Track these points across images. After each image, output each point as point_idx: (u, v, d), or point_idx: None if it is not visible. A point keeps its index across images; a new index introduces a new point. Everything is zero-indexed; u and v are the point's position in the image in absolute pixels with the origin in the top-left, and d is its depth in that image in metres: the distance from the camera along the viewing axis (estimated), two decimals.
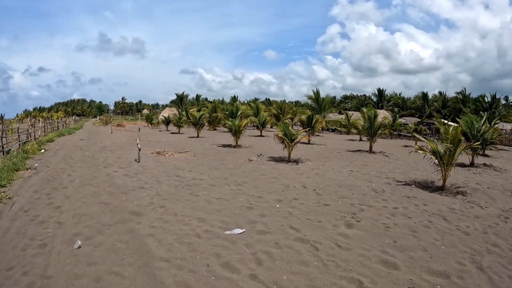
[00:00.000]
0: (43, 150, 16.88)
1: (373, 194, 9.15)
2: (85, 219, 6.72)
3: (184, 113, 39.12)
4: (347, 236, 5.94)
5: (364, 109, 21.64)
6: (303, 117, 24.88)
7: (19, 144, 17.11)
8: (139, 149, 14.08)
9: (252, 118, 34.74)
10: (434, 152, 9.54)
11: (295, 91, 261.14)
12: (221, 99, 79.88)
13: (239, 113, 31.18)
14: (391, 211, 7.58)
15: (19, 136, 17.51)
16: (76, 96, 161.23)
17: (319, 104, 45.67)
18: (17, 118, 57.90)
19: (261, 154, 15.67)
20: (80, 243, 5.38)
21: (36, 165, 12.90)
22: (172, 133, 32.81)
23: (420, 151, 10.03)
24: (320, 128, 31.16)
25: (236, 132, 18.59)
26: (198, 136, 27.22)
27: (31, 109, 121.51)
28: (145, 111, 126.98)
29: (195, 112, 30.05)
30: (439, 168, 9.73)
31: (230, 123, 19.65)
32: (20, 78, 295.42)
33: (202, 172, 11.51)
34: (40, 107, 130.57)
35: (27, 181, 10.22)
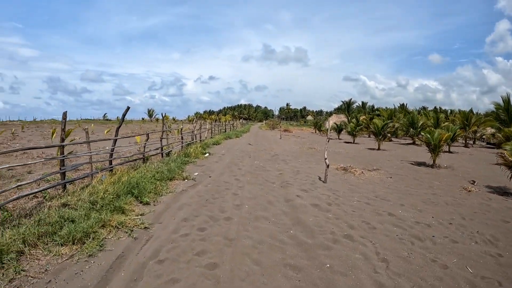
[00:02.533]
0: (207, 154, 15.35)
1: None
2: None
3: (354, 120, 35.16)
4: None
5: None
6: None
7: (182, 146, 16.14)
8: (327, 166, 10.25)
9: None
10: None
11: (463, 98, 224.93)
12: (387, 106, 71.62)
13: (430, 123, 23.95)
14: None
15: (182, 137, 16.68)
16: (242, 102, 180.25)
17: (510, 114, 32.73)
18: (187, 120, 66.25)
19: (474, 181, 11.55)
20: None
21: (196, 174, 10.75)
22: (346, 142, 28.41)
23: None
24: None
25: (435, 148, 14.74)
26: (379, 148, 22.05)
27: (201, 112, 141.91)
28: (309, 117, 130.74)
29: (378, 120, 24.79)
30: None
31: (428, 135, 14.62)
32: (192, 85, 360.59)
33: (420, 208, 7.85)
34: (209, 110, 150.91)
35: (179, 199, 7.79)
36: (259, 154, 16.80)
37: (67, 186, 7.48)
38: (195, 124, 20.12)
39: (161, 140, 13.57)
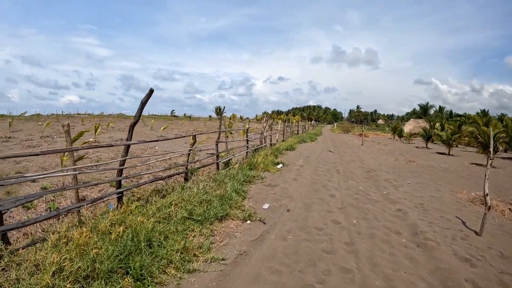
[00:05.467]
0: (280, 165, 11.17)
1: None
2: None
3: (451, 127, 28.64)
4: None
5: None
6: None
7: (247, 152, 12.13)
8: (488, 207, 5.56)
9: None
10: None
11: None
12: (466, 112, 61.71)
13: None
14: None
15: (247, 140, 12.54)
16: (311, 103, 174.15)
17: None
18: (255, 119, 62.66)
19: None
20: None
21: (266, 206, 6.54)
22: (439, 153, 22.10)
23: None
24: None
25: None
26: (490, 164, 16.05)
27: (269, 112, 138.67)
28: (380, 121, 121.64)
29: (486, 129, 18.57)
30: None
31: None
32: (261, 86, 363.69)
33: None
34: (278, 110, 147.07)
35: (235, 270, 3.47)
36: (348, 168, 12.11)
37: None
38: (264, 124, 15.94)
39: (216, 145, 9.61)
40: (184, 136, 8.78)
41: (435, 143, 32.02)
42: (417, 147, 27.42)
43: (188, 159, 8.34)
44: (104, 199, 5.46)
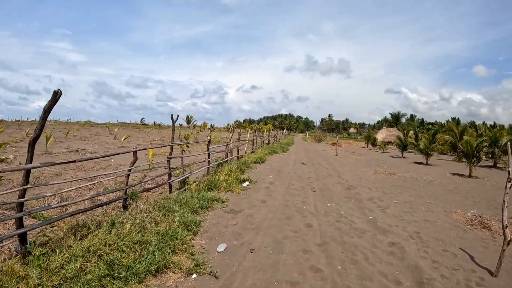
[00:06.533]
0: (246, 183, 9.59)
1: None
2: None
3: (412, 135, 29.04)
4: None
5: None
6: None
7: (208, 168, 10.50)
8: (508, 242, 4.44)
9: None
10: None
11: (508, 113, 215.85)
12: (437, 120, 63.95)
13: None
14: None
15: (209, 154, 10.79)
16: (283, 112, 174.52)
17: None
18: (225, 128, 61.02)
19: None
20: None
21: (222, 248, 5.07)
22: (417, 163, 21.33)
23: None
24: None
25: None
26: (470, 175, 15.38)
27: (241, 120, 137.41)
28: (352, 130, 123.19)
29: (469, 138, 17.80)
30: None
31: None
32: (234, 94, 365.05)
33: None
34: (250, 119, 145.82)
35: None
36: (325, 185, 10.70)
37: None
38: (231, 134, 14.25)
39: (168, 161, 7.88)
40: (117, 154, 6.89)
41: (409, 151, 31.59)
42: (392, 156, 26.66)
43: (127, 181, 6.61)
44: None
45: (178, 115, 8.11)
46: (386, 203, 8.40)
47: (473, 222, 7.31)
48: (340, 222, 6.51)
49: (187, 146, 11.89)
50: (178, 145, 8.95)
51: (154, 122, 68.80)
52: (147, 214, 5.75)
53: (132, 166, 6.63)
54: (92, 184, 6.73)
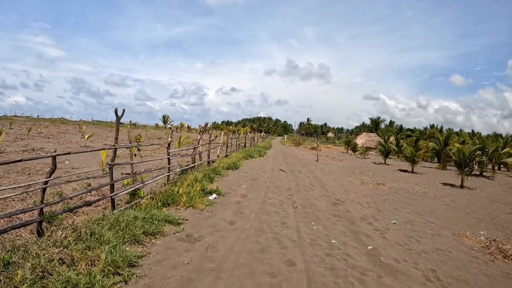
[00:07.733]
0: (214, 196, 7.87)
1: None
2: None
3: (393, 141, 28.28)
4: None
5: None
6: None
7: (168, 176, 8.70)
8: None
9: None
10: None
11: (483, 122, 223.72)
12: (415, 127, 64.77)
13: None
14: None
15: (169, 159, 8.89)
16: (262, 114, 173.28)
17: None
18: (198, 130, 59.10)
19: None
20: None
21: None
22: (402, 170, 20.25)
23: None
24: None
25: None
26: (462, 186, 14.37)
27: (219, 122, 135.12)
28: (330, 134, 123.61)
29: (461, 146, 16.73)
30: None
31: None
32: (213, 96, 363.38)
33: None
34: (228, 121, 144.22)
35: None
36: (308, 198, 9.11)
37: None
38: (199, 136, 12.30)
39: (110, 170, 6.07)
40: (35, 158, 4.99)
41: (390, 158, 30.67)
42: (375, 163, 25.53)
43: (43, 198, 4.77)
44: None
45: (124, 110, 6.31)
46: (384, 224, 6.89)
47: (490, 249, 5.96)
48: (332, 256, 4.90)
49: (138, 150, 9.96)
50: (125, 147, 7.12)
51: (130, 121, 65.83)
52: (63, 247, 3.99)
53: (49, 176, 4.81)
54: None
